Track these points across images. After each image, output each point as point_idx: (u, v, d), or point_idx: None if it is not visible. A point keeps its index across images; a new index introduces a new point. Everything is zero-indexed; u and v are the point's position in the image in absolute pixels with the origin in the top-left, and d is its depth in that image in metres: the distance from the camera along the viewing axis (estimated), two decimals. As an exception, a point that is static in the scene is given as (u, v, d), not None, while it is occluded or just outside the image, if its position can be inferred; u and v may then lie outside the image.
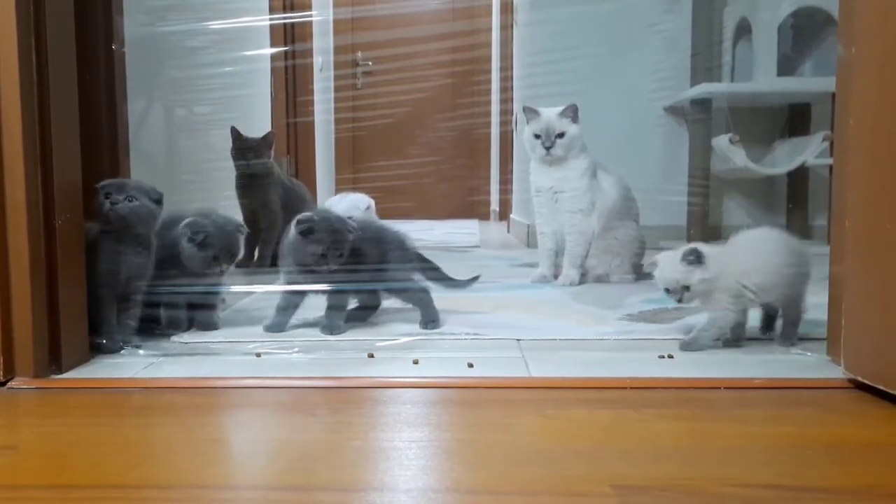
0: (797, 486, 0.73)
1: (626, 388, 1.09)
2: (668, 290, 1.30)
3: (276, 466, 0.82)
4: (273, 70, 3.81)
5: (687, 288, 1.27)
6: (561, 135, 2.07)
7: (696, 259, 1.26)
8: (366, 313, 1.58)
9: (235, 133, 2.40)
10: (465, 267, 2.55)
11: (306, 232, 1.41)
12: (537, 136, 2.09)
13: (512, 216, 4.16)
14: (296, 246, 1.43)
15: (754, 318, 1.38)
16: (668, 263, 1.29)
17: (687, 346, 1.29)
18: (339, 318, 1.48)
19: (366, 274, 1.46)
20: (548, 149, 2.07)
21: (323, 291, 1.47)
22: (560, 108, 2.08)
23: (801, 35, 3.09)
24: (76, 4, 1.22)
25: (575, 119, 2.08)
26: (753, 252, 1.31)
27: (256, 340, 1.40)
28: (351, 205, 2.19)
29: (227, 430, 0.97)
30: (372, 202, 2.24)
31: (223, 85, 2.82)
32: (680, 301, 1.29)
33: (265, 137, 2.45)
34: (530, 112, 2.11)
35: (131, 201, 1.31)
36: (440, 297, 1.55)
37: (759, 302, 1.32)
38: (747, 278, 1.27)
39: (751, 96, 3.06)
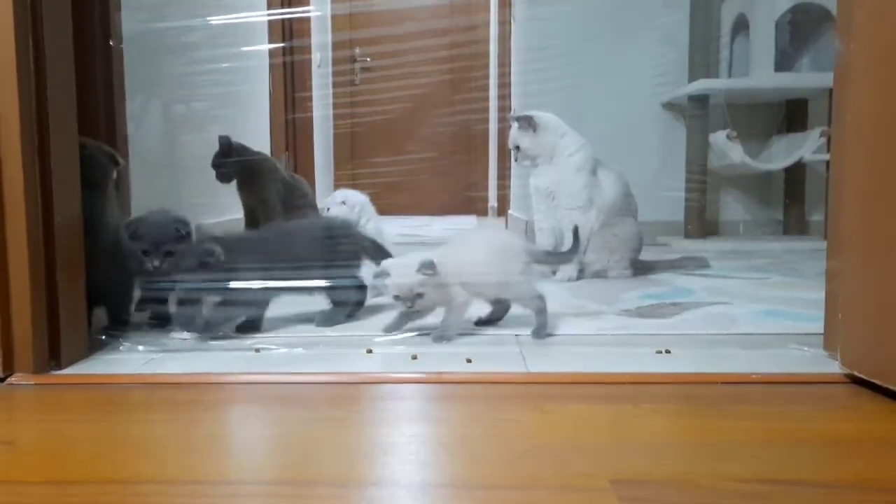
0: (794, 481, 0.74)
1: (623, 383, 1.09)
2: (397, 297, 1.35)
3: (275, 462, 0.83)
4: (271, 66, 3.81)
5: (420, 295, 1.34)
6: (517, 147, 2.20)
7: (431, 271, 1.32)
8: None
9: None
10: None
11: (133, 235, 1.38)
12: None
13: (510, 212, 4.16)
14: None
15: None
16: (401, 272, 1.34)
17: (438, 339, 1.35)
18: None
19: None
20: (515, 159, 2.25)
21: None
22: (518, 125, 2.18)
23: (799, 31, 3.10)
24: (73, 1, 1.21)
25: (533, 129, 2.16)
26: (468, 252, 1.42)
27: (254, 336, 1.40)
28: (332, 200, 2.21)
29: (225, 425, 0.97)
30: (350, 197, 2.23)
31: (221, 81, 2.82)
32: (411, 307, 1.35)
33: (220, 145, 2.41)
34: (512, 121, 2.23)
35: None
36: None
37: (478, 296, 1.41)
38: (462, 276, 1.36)
39: (748, 92, 3.06)
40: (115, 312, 1.44)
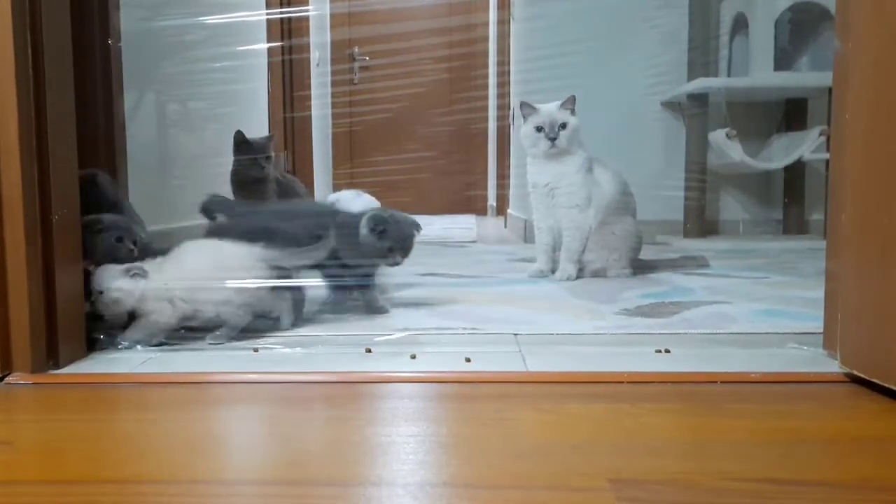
0: (793, 480, 0.73)
1: (622, 382, 1.09)
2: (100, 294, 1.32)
3: (273, 461, 0.82)
4: (270, 65, 3.80)
5: (117, 301, 1.31)
6: (564, 125, 2.08)
7: (140, 274, 1.31)
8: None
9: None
10: (462, 262, 2.56)
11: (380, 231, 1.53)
12: (539, 129, 2.09)
13: (509, 211, 4.16)
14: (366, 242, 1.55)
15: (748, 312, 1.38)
16: (110, 274, 1.31)
17: (122, 341, 1.32)
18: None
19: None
20: (553, 139, 2.08)
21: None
22: (559, 102, 2.10)
23: (798, 30, 3.10)
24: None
25: (573, 111, 2.10)
26: (183, 262, 1.38)
27: (253, 336, 1.40)
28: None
29: (223, 424, 0.97)
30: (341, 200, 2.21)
31: (220, 80, 2.82)
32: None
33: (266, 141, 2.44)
34: (527, 108, 2.12)
35: None
36: (439, 291, 1.56)
37: (200, 307, 1.36)
38: (177, 285, 1.33)
39: (747, 91, 3.06)
40: None
